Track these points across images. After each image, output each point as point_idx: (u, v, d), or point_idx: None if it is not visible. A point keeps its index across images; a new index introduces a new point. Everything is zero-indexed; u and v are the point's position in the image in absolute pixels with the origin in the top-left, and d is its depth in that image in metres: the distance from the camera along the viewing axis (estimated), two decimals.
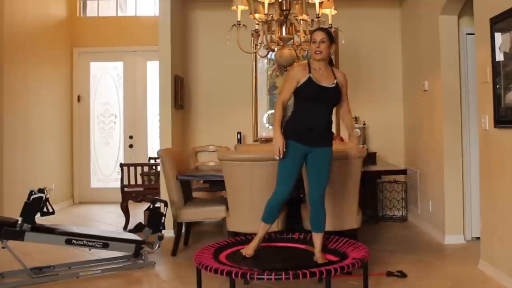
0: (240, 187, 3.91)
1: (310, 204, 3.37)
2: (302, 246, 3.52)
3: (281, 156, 3.22)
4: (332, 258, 3.41)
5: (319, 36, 3.27)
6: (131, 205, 5.80)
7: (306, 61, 3.39)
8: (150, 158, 6.94)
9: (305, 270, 2.86)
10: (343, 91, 3.37)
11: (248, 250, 3.31)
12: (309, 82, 3.24)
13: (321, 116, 3.27)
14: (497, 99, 3.59)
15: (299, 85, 3.26)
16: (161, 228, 4.20)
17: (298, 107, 3.33)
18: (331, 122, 3.36)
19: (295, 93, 3.29)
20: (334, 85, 3.28)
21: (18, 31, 6.12)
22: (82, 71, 7.82)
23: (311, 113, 3.26)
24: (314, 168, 3.32)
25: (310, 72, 3.27)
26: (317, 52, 3.26)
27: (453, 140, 4.75)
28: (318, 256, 3.28)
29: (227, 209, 4.14)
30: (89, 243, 3.94)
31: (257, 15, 4.40)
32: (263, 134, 6.25)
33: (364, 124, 6.09)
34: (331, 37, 3.31)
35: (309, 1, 4.28)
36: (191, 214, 4.51)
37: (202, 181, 5.41)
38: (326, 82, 3.27)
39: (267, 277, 2.86)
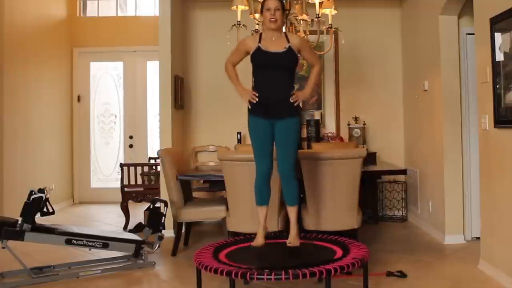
0: (240, 187, 3.91)
1: (280, 177, 3.36)
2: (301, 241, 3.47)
3: (256, 99, 3.25)
4: (333, 247, 3.40)
5: (273, 4, 3.25)
6: (131, 205, 5.80)
7: (258, 33, 3.42)
8: (150, 158, 6.94)
9: (305, 270, 2.86)
10: (305, 52, 3.37)
11: (258, 241, 3.31)
12: (258, 51, 3.28)
13: (276, 83, 3.25)
14: (497, 99, 3.59)
15: (250, 54, 3.31)
16: (161, 228, 4.20)
17: (254, 78, 3.37)
18: (289, 89, 3.30)
19: (252, 64, 3.33)
20: (285, 49, 3.26)
21: (18, 31, 6.12)
22: (82, 71, 7.82)
23: (266, 81, 3.28)
24: (279, 141, 3.29)
25: (260, 42, 3.29)
26: (271, 20, 3.25)
27: (453, 140, 4.75)
28: (293, 236, 3.29)
29: (227, 209, 4.14)
30: (89, 243, 3.94)
31: (257, 15, 4.40)
32: None
33: (364, 124, 6.09)
34: (284, 6, 3.33)
35: (309, 1, 4.28)
36: (191, 214, 4.51)
37: (202, 181, 5.42)
38: (277, 48, 3.26)
39: (267, 277, 2.86)
